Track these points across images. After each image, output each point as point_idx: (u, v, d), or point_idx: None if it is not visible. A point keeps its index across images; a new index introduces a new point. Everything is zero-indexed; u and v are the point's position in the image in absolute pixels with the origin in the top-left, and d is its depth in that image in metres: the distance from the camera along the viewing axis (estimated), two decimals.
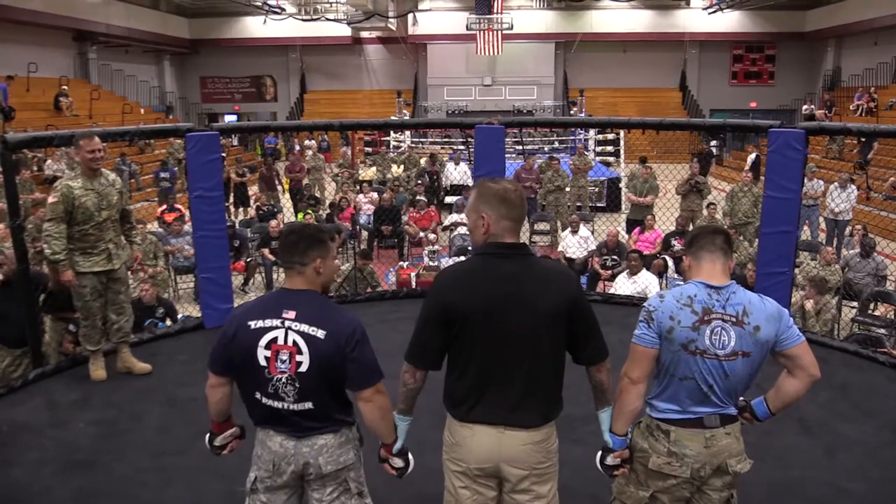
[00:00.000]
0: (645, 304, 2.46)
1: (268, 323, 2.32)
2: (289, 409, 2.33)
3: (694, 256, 2.46)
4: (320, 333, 2.28)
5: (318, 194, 14.45)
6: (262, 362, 2.31)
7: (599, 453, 2.50)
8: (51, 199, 4.44)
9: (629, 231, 10.45)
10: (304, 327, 2.29)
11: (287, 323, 2.30)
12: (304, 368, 2.28)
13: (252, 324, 2.33)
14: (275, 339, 2.30)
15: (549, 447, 2.34)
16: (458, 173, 14.55)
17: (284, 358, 2.29)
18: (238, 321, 2.37)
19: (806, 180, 6.42)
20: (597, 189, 14.42)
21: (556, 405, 2.36)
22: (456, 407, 2.34)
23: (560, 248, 9.88)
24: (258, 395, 2.36)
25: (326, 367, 2.29)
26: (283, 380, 2.30)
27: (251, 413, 2.43)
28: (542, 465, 2.32)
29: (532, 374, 2.27)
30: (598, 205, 14.02)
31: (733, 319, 2.33)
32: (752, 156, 17.43)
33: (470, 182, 13.07)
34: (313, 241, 2.37)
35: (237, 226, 10.98)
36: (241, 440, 2.60)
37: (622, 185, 14.86)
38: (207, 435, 2.59)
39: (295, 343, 2.29)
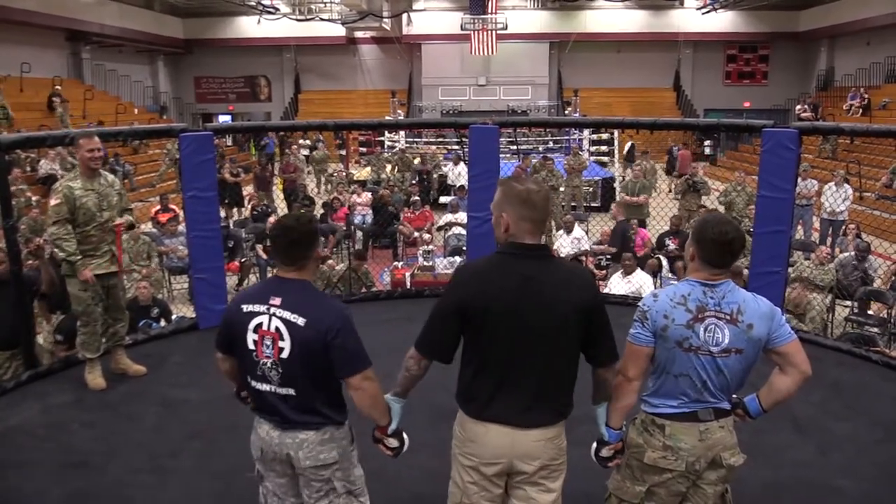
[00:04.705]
0: (640, 303, 2.48)
1: (256, 308, 2.40)
2: (274, 393, 2.40)
3: (702, 258, 2.39)
4: (300, 321, 2.34)
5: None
6: (251, 346, 2.40)
7: (594, 445, 2.55)
8: (53, 202, 4.38)
9: None
10: (287, 314, 2.35)
11: (272, 309, 2.37)
12: (285, 354, 2.35)
13: (245, 307, 2.42)
14: (261, 324, 2.38)
15: (561, 444, 2.38)
16: (453, 175, 14.61)
17: (268, 343, 2.37)
18: (235, 304, 2.47)
19: (799, 180, 6.45)
20: (591, 189, 14.44)
21: (568, 404, 2.39)
22: (469, 404, 2.36)
23: (554, 248, 9.89)
24: (249, 378, 2.45)
25: (307, 354, 2.34)
26: (269, 364, 2.38)
27: (249, 396, 2.52)
28: (554, 462, 2.36)
29: (547, 374, 2.30)
30: (593, 204, 14.04)
31: (728, 317, 2.35)
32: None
33: (462, 182, 13.10)
34: (312, 236, 2.43)
35: (231, 226, 10.96)
36: None
37: (616, 185, 14.94)
38: (235, 389, 2.66)
39: (277, 329, 2.36)
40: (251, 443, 2.53)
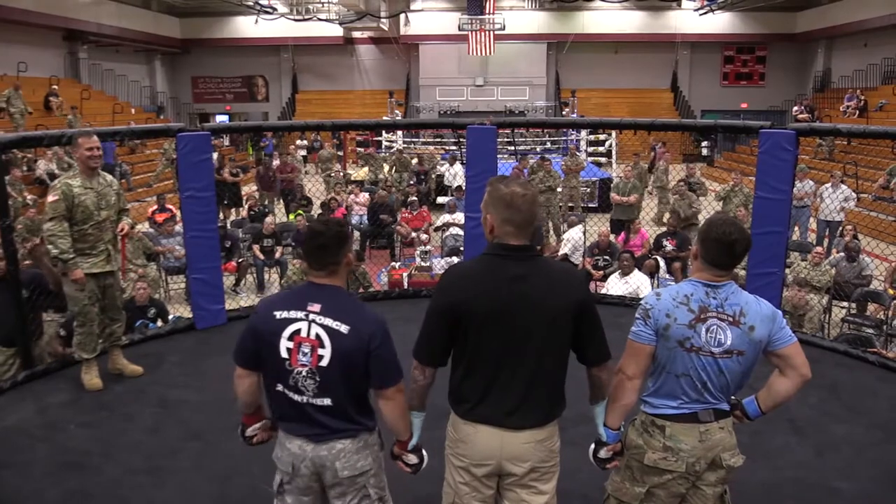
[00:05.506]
0: (642, 301, 2.48)
1: (293, 314, 2.33)
2: (308, 403, 2.32)
3: (704, 258, 2.40)
4: (344, 328, 2.29)
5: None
6: (284, 353, 2.31)
7: (593, 446, 2.54)
8: (51, 198, 4.36)
9: (613, 232, 10.45)
10: (328, 321, 2.30)
11: (311, 316, 2.31)
12: (325, 363, 2.29)
13: (277, 314, 2.34)
14: (298, 331, 2.31)
15: (552, 446, 2.37)
16: (450, 175, 14.61)
17: (306, 351, 2.29)
18: (264, 311, 2.38)
19: (796, 181, 6.45)
20: (588, 189, 14.45)
21: (559, 404, 2.38)
22: (459, 404, 2.36)
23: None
24: (280, 387, 2.35)
25: (347, 363, 2.29)
26: (304, 373, 2.30)
27: (272, 407, 2.43)
28: (545, 464, 2.34)
29: (536, 374, 2.29)
30: (590, 205, 14.04)
31: (730, 319, 2.35)
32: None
33: (459, 182, 13.10)
34: (342, 240, 2.37)
35: (228, 226, 10.96)
36: (272, 432, 2.55)
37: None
38: (239, 427, 2.58)
39: (318, 336, 2.29)
40: (277, 458, 2.43)
